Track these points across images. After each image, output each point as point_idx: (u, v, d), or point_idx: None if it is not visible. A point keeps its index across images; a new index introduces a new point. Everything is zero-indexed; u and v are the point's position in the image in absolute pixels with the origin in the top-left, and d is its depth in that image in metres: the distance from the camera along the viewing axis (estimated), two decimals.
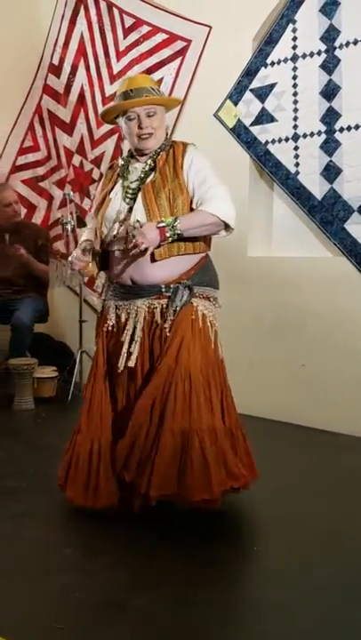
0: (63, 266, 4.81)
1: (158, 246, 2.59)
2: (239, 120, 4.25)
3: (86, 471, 2.67)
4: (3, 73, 5.13)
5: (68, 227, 4.67)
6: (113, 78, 4.92)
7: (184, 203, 2.67)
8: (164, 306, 2.66)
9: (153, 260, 2.64)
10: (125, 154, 2.89)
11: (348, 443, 3.76)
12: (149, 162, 2.73)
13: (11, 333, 4.68)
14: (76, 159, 5.30)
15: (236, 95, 4.25)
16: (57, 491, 2.77)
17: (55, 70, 5.35)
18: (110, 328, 2.77)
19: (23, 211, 5.47)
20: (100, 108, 5.01)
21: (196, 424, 2.54)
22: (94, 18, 5.02)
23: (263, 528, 2.68)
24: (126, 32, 4.84)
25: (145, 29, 4.71)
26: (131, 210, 2.68)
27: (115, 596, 2.11)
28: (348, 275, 3.87)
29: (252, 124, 4.19)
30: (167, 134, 2.80)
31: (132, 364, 2.64)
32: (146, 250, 2.54)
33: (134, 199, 2.69)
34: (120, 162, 2.85)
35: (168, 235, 2.56)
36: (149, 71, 4.67)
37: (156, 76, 4.64)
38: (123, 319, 2.73)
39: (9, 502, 2.85)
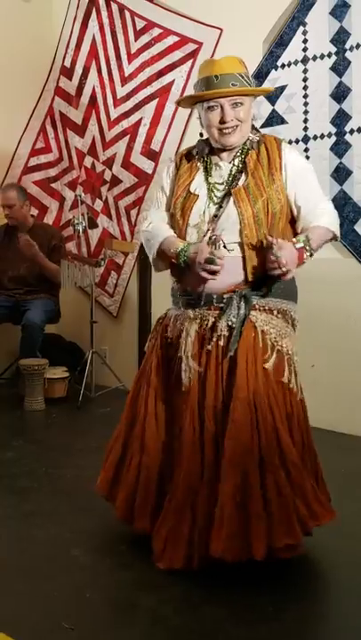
0: (75, 267, 4.83)
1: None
2: None
3: (132, 484, 2.38)
4: (15, 75, 5.17)
5: (80, 228, 4.72)
6: (124, 80, 4.94)
7: (283, 212, 2.31)
8: (216, 318, 2.28)
9: (239, 275, 2.29)
10: (198, 147, 2.46)
11: (359, 444, 3.76)
12: (237, 161, 2.36)
13: (22, 334, 4.71)
14: (88, 160, 5.33)
15: None
16: (67, 491, 2.79)
17: (67, 72, 5.38)
18: (169, 339, 2.41)
19: (35, 212, 5.51)
20: (112, 111, 5.05)
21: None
22: (106, 20, 5.05)
23: None
24: (137, 34, 4.86)
25: (156, 32, 4.73)
26: (216, 217, 2.30)
27: (124, 596, 2.13)
28: (359, 276, 3.87)
29: (263, 126, 4.20)
30: (254, 126, 2.43)
31: (186, 383, 2.29)
32: (286, 273, 2.18)
33: (220, 205, 2.31)
34: (194, 152, 2.45)
35: (305, 257, 2.24)
36: (160, 73, 4.71)
37: (167, 78, 4.68)
38: (180, 330, 2.37)
39: (19, 502, 2.87)
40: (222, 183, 2.35)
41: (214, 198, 2.33)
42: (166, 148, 4.73)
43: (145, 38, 4.80)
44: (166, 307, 2.55)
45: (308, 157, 4.00)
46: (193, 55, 4.55)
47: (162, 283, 2.80)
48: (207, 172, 2.39)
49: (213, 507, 2.13)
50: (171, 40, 4.66)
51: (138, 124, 4.89)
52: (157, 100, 4.76)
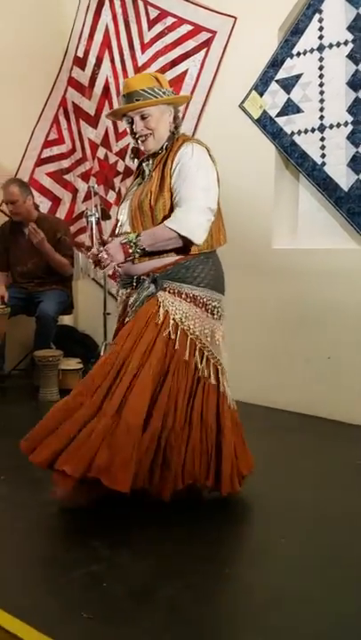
0: (87, 258, 4.81)
1: (125, 261, 2.69)
2: (265, 111, 4.23)
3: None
4: (28, 66, 5.15)
5: (93, 219, 4.66)
6: (138, 70, 4.92)
7: (165, 206, 2.65)
8: (130, 296, 2.76)
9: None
10: (133, 153, 2.93)
11: None
12: (152, 161, 2.77)
13: (35, 325, 4.72)
14: (101, 152, 5.32)
15: (261, 86, 4.23)
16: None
17: (80, 63, 5.36)
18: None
19: (48, 203, 5.51)
20: None
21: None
22: (119, 10, 5.02)
23: (292, 520, 2.67)
24: (151, 24, 4.83)
25: (170, 21, 4.70)
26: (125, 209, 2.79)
27: (142, 585, 2.13)
28: None
29: (278, 115, 4.17)
30: (176, 128, 2.76)
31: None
32: (106, 266, 2.69)
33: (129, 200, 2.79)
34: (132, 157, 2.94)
35: (131, 251, 2.64)
36: (174, 63, 4.67)
37: (181, 67, 4.64)
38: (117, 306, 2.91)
39: (37, 492, 2.87)
40: (140, 183, 2.80)
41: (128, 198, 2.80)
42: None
43: (158, 27, 4.77)
44: None
45: (323, 147, 3.97)
46: (207, 44, 4.52)
47: None
48: (139, 175, 2.86)
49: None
50: (184, 29, 4.62)
51: None
52: (171, 90, 4.72)
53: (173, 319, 2.62)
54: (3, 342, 4.74)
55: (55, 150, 5.57)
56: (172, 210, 2.64)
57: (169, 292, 2.66)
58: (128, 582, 2.14)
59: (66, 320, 5.29)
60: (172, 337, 2.61)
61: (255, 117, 4.27)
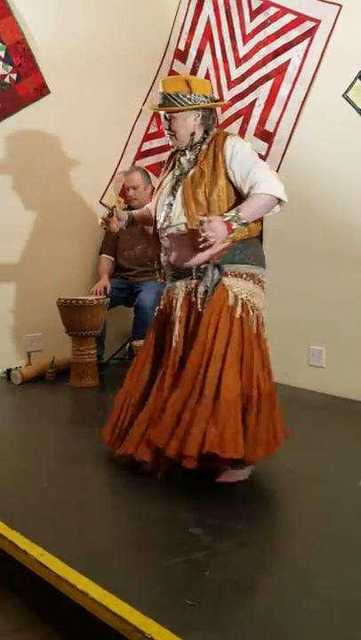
0: None
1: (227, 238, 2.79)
2: None
3: (116, 417, 3.07)
4: (130, 60, 5.23)
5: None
6: (239, 62, 4.90)
7: (220, 196, 2.83)
8: (197, 286, 2.86)
9: (190, 249, 2.83)
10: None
11: None
12: (192, 155, 2.94)
13: (134, 314, 4.81)
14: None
15: None
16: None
17: (181, 55, 5.38)
18: (162, 307, 3.05)
19: None
20: (226, 92, 5.01)
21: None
22: (221, 1, 5.00)
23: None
24: (253, 14, 4.79)
25: (272, 11, 4.65)
26: (174, 200, 2.91)
27: (244, 576, 2.14)
28: None
29: None
30: (206, 132, 2.94)
31: (174, 341, 2.89)
32: (212, 245, 2.72)
33: (174, 192, 2.92)
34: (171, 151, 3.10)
35: (235, 227, 2.75)
36: (276, 53, 4.63)
37: (284, 57, 4.59)
38: (168, 299, 3.01)
39: (137, 477, 2.92)
40: (181, 174, 2.94)
41: (175, 188, 2.93)
42: (281, 129, 4.66)
43: (261, 18, 4.72)
44: None
45: None
46: (310, 33, 4.44)
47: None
48: (175, 166, 3.02)
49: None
50: (288, 18, 4.56)
51: (252, 105, 4.83)
52: (273, 80, 4.68)
53: (241, 299, 2.82)
54: (102, 331, 4.85)
55: (155, 143, 5.61)
56: (227, 199, 2.85)
57: (230, 275, 2.85)
58: (229, 573, 2.16)
59: None
60: (243, 315, 2.81)
61: (360, 107, 4.17)
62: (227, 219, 2.74)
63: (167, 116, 2.90)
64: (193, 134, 2.92)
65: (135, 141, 5.55)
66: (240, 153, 2.86)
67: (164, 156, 5.59)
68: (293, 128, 4.56)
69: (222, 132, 3.01)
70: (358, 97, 4.17)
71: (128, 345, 4.97)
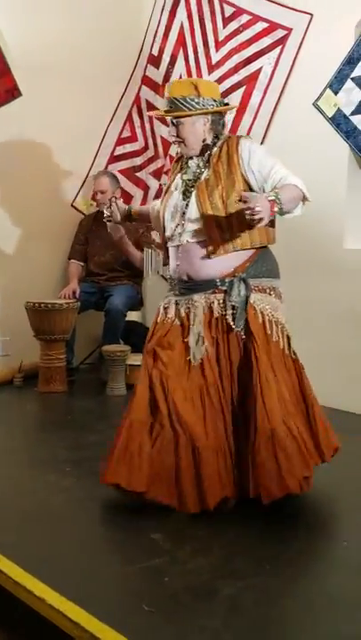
0: (157, 255, 4.85)
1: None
2: (339, 109, 4.16)
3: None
4: (103, 64, 5.21)
5: None
6: (211, 68, 4.91)
7: (237, 199, 2.68)
8: (221, 300, 2.72)
9: (207, 257, 2.74)
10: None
11: None
12: (202, 159, 2.84)
13: (104, 319, 4.80)
14: (173, 149, 5.33)
15: (336, 84, 4.16)
16: None
17: (154, 61, 5.39)
18: (163, 320, 2.84)
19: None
20: None
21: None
22: (194, 8, 5.01)
23: (355, 522, 2.64)
24: (226, 21, 4.82)
25: (245, 18, 4.67)
26: (187, 206, 2.80)
27: (203, 582, 2.13)
28: None
29: (353, 114, 4.10)
30: (216, 137, 2.85)
31: (195, 359, 2.69)
32: (260, 220, 2.43)
33: (187, 197, 2.81)
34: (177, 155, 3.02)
35: (276, 209, 2.53)
36: (248, 61, 4.65)
37: (255, 65, 4.61)
38: (183, 314, 2.79)
39: (100, 485, 2.91)
40: (191, 179, 2.83)
41: (188, 190, 2.81)
42: (252, 137, 4.66)
43: (233, 25, 4.75)
44: None
45: None
46: (282, 41, 4.48)
47: None
48: (183, 171, 2.89)
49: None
50: (260, 26, 4.59)
51: None
52: (244, 87, 4.71)
53: (267, 315, 2.72)
54: (72, 336, 4.83)
55: (128, 148, 5.62)
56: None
57: (254, 290, 2.75)
58: (189, 579, 2.15)
59: (133, 316, 5.34)
60: (268, 332, 2.70)
61: (329, 116, 4.21)
62: (271, 197, 2.52)
63: (174, 121, 2.79)
64: (204, 140, 2.83)
65: (108, 145, 5.55)
66: (257, 152, 2.78)
67: (137, 160, 5.64)
68: (264, 136, 4.58)
69: (234, 136, 2.93)
70: (328, 106, 4.21)
71: (98, 350, 4.95)
